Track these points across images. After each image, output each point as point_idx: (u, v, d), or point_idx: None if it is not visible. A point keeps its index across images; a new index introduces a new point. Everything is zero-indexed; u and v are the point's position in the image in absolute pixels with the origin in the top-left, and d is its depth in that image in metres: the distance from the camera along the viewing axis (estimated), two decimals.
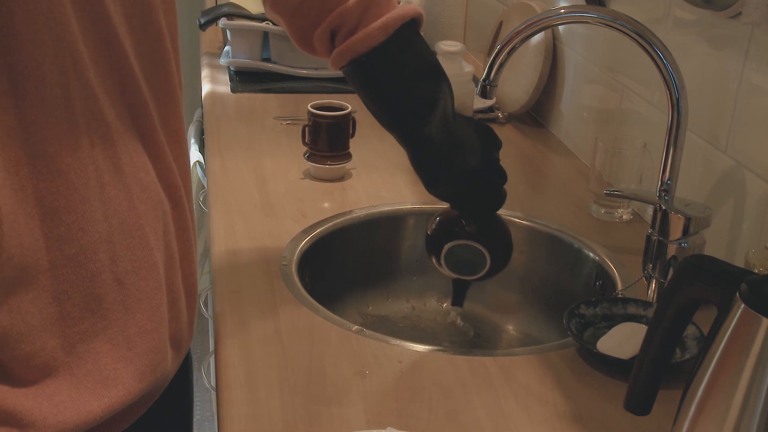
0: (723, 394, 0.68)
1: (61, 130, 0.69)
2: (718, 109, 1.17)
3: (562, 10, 1.18)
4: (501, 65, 1.16)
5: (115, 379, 0.75)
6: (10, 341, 0.70)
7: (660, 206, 1.10)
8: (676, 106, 1.09)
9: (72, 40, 0.70)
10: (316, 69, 1.99)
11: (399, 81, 1.01)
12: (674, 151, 1.11)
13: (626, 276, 1.20)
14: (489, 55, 1.32)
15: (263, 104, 1.81)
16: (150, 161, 0.80)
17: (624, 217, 1.38)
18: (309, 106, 1.44)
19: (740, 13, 1.08)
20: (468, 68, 1.59)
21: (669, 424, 0.87)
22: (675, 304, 0.75)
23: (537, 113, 1.80)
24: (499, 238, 1.12)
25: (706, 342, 0.72)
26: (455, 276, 1.15)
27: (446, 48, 1.57)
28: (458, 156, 1.04)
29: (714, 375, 0.69)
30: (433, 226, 1.13)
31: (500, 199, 1.10)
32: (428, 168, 1.05)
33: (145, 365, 0.78)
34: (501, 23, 1.92)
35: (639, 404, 0.81)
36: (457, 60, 1.58)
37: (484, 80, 1.18)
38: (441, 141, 1.03)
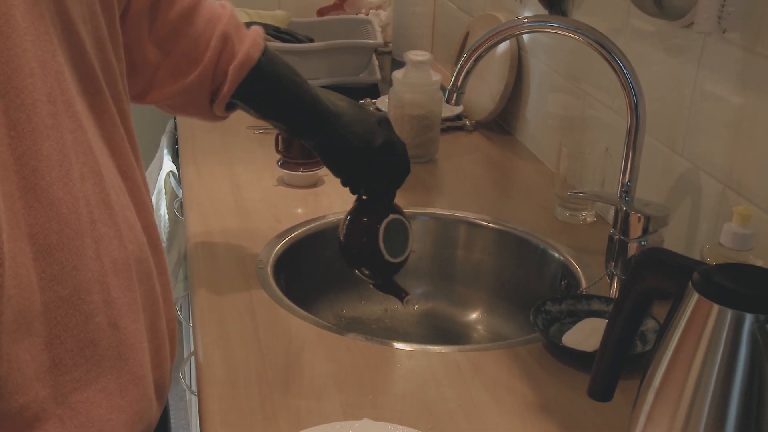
0: (679, 376, 0.73)
1: (52, 162, 0.68)
2: (675, 114, 1.23)
3: (526, 20, 1.23)
4: (468, 72, 1.21)
5: (108, 430, 0.72)
6: (6, 393, 0.66)
7: (621, 207, 1.15)
8: (635, 110, 1.14)
9: (59, 69, 0.69)
10: None
11: (291, 73, 1.08)
12: (633, 154, 1.16)
13: (590, 275, 1.25)
14: (456, 64, 1.37)
15: (236, 114, 1.84)
16: (131, 201, 0.79)
17: (588, 219, 1.43)
18: None
19: (692, 23, 1.14)
20: (436, 77, 1.64)
21: (630, 412, 0.92)
22: (634, 294, 0.80)
23: (503, 120, 1.85)
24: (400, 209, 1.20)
25: (663, 328, 0.77)
26: (394, 260, 1.17)
27: (414, 57, 1.62)
28: (361, 137, 1.11)
29: (672, 359, 0.74)
30: (354, 222, 1.18)
31: (406, 170, 1.18)
32: (333, 152, 1.13)
33: (135, 413, 0.75)
34: (467, 33, 1.98)
35: (601, 391, 0.85)
36: (425, 69, 1.63)
37: (451, 87, 1.22)
38: (343, 121, 1.10)
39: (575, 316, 1.12)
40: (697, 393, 0.71)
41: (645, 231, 1.13)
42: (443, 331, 1.37)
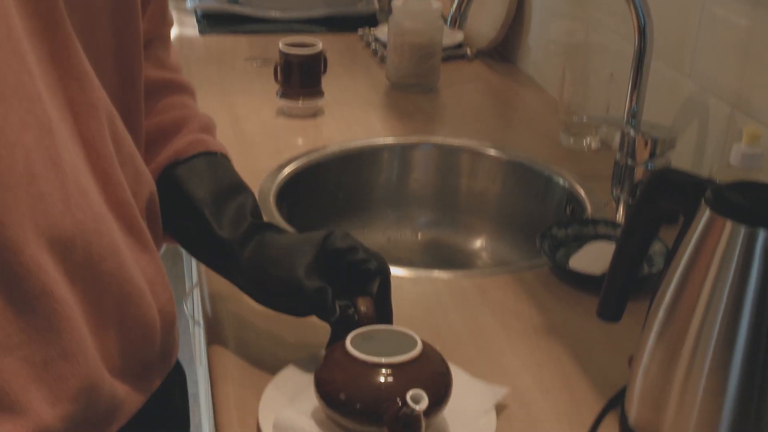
0: (691, 293, 0.72)
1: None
2: (682, 35, 1.21)
3: None
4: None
5: (24, 403, 0.65)
6: None
7: (628, 130, 1.13)
8: (643, 33, 1.12)
9: (7, 14, 0.63)
10: (284, 11, 1.99)
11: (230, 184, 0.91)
12: (640, 77, 1.14)
13: (595, 200, 1.24)
14: None
15: (232, 46, 1.82)
16: (90, 170, 0.71)
17: (592, 145, 1.41)
18: (280, 44, 1.45)
19: None
20: (436, 5, 1.61)
21: (637, 334, 0.92)
22: (645, 213, 0.79)
23: (504, 49, 1.83)
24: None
25: (674, 247, 0.76)
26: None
27: None
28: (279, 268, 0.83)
29: (683, 276, 0.73)
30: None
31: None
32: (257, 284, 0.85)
33: (62, 390, 0.67)
34: None
35: (611, 312, 0.85)
36: None
37: (454, 13, 1.20)
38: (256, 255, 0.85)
39: (581, 241, 1.11)
40: (708, 310, 0.71)
41: (652, 154, 1.12)
42: (447, 259, 1.36)
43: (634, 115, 1.16)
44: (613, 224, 1.13)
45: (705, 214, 0.72)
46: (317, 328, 0.91)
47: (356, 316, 0.82)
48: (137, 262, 0.75)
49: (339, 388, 0.74)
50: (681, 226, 0.76)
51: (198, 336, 1.74)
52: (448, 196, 1.42)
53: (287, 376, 0.84)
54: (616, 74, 1.37)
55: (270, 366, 0.86)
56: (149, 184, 0.81)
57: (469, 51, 1.82)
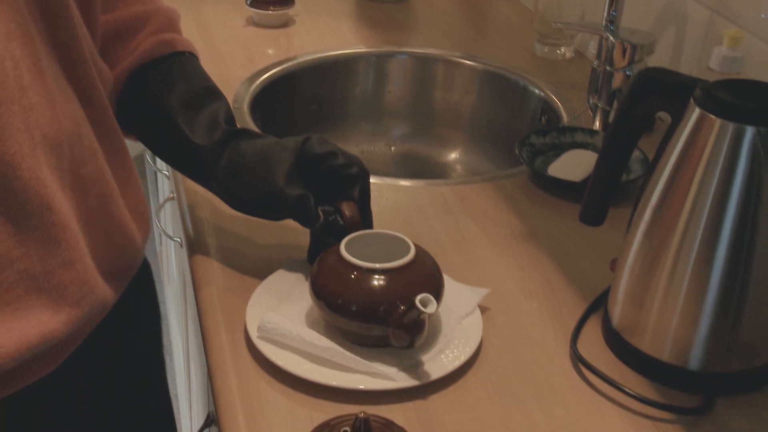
0: (679, 192, 0.72)
1: None
2: None
3: None
4: None
5: (26, 310, 0.65)
6: None
7: (606, 36, 1.12)
8: None
9: None
10: None
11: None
12: None
13: (571, 109, 1.24)
14: None
15: None
16: (63, 71, 0.68)
17: (566, 54, 1.40)
18: None
19: None
20: None
21: (617, 239, 0.92)
22: (632, 114, 0.78)
23: None
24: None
25: (662, 146, 0.76)
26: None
27: None
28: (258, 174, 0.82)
29: (671, 175, 0.73)
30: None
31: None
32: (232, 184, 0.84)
33: (63, 298, 0.67)
34: None
35: (593, 216, 0.85)
36: None
37: None
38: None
39: (559, 149, 1.11)
40: (695, 206, 0.71)
41: (631, 60, 1.11)
42: (421, 171, 1.36)
43: (612, 21, 1.15)
44: (591, 132, 1.13)
45: (694, 113, 0.72)
46: (299, 234, 0.90)
47: (341, 222, 0.82)
48: (111, 165, 0.74)
49: (338, 294, 0.73)
50: (670, 124, 0.76)
51: (167, 254, 1.73)
52: (422, 108, 1.40)
53: (274, 281, 0.83)
54: None
55: (255, 272, 0.85)
56: (109, 81, 0.79)
57: None
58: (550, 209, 1.01)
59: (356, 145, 1.39)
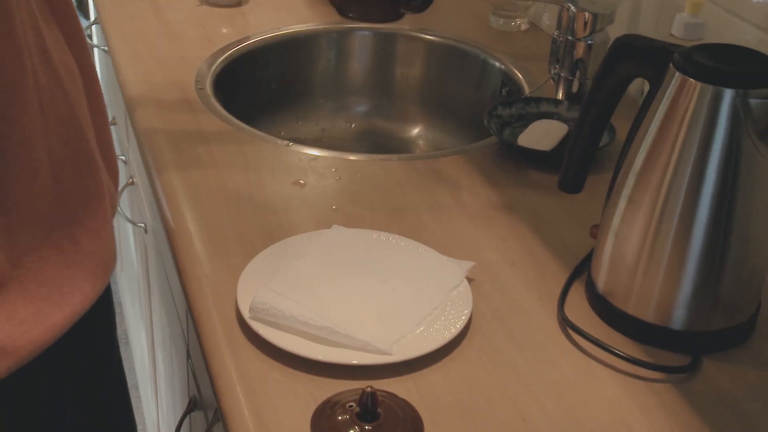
0: (663, 156, 0.74)
1: None
2: None
3: None
4: None
5: (71, 285, 0.70)
6: None
7: (567, 6, 1.13)
8: None
9: None
10: None
11: None
12: None
13: (532, 80, 1.25)
14: None
15: None
16: (62, 34, 0.72)
17: (522, 26, 1.41)
18: None
19: None
20: None
21: (591, 205, 0.94)
22: (610, 80, 0.79)
23: None
24: None
25: (641, 113, 0.77)
26: None
27: None
28: None
29: (654, 140, 0.75)
30: None
31: None
32: None
33: (96, 266, 0.73)
34: None
35: (572, 183, 0.87)
36: None
37: None
38: None
39: (525, 120, 1.12)
40: (677, 168, 0.73)
41: (592, 30, 1.12)
42: (384, 147, 1.36)
43: None
44: (555, 102, 1.14)
45: (674, 77, 0.73)
46: (281, 215, 0.90)
47: None
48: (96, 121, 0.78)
49: None
50: (648, 91, 0.77)
51: (123, 240, 1.69)
52: (381, 84, 1.40)
53: (261, 260, 0.82)
54: None
55: (240, 254, 0.85)
56: None
57: None
58: (522, 179, 1.02)
59: (316, 123, 1.39)
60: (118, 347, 0.92)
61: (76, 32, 0.74)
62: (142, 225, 1.31)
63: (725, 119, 0.72)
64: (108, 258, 0.75)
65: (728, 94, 0.71)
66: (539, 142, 1.06)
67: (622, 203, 0.78)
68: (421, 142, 1.37)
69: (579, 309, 0.82)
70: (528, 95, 1.21)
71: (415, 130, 1.38)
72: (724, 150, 0.72)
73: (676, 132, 0.73)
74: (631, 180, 0.77)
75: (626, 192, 0.77)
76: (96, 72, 0.77)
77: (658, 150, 0.75)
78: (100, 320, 0.87)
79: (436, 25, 1.40)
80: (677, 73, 0.73)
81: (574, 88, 1.16)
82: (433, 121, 1.37)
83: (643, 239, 0.76)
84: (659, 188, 0.74)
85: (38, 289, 0.68)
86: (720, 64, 0.72)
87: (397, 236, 0.87)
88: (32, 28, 0.66)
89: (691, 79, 0.72)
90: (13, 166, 0.65)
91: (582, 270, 0.87)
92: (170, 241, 0.89)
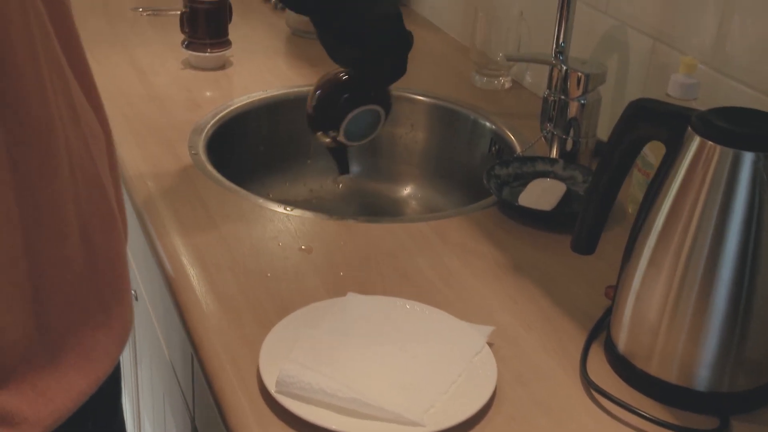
0: (685, 217, 0.75)
1: (26, 73, 0.60)
2: None
3: None
4: None
5: (99, 350, 0.69)
6: None
7: (560, 66, 1.15)
8: None
9: None
10: None
11: None
12: (568, 13, 1.16)
13: (522, 138, 1.26)
14: None
15: None
16: (84, 95, 0.71)
17: (506, 84, 1.43)
18: None
19: None
20: None
21: (600, 265, 0.95)
22: (626, 143, 0.80)
23: None
24: (389, 98, 1.11)
25: (658, 177, 0.78)
26: (350, 143, 1.10)
27: None
28: (365, 18, 1.00)
29: (674, 202, 0.75)
30: (325, 98, 1.07)
31: (403, 66, 1.06)
32: (335, 30, 1.00)
33: (122, 328, 0.71)
34: None
35: (585, 245, 0.87)
36: None
37: None
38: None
39: (523, 179, 1.13)
40: (699, 230, 0.74)
41: (584, 90, 1.14)
42: (375, 207, 1.35)
43: (561, 52, 1.18)
44: (551, 160, 1.15)
45: (694, 141, 0.74)
46: (293, 290, 0.88)
47: None
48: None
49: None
50: (665, 154, 0.78)
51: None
52: (369, 143, 1.39)
53: (279, 330, 0.81)
54: (525, 11, 1.38)
55: (256, 324, 0.83)
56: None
57: None
58: (526, 239, 1.02)
59: (304, 185, 1.38)
60: (122, 411, 0.89)
61: (92, 88, 0.73)
62: (133, 291, 1.28)
63: (746, 182, 0.73)
64: (130, 318, 0.73)
65: (748, 157, 0.72)
66: (539, 201, 1.07)
67: (642, 265, 0.78)
68: (413, 202, 1.37)
69: (600, 370, 0.82)
70: (522, 154, 1.21)
71: (406, 190, 1.38)
72: (745, 211, 0.73)
73: (696, 194, 0.74)
74: (651, 242, 0.77)
75: (647, 254, 0.78)
76: (110, 128, 0.76)
77: (678, 212, 0.75)
78: (108, 383, 0.84)
79: (420, 84, 1.41)
80: (696, 137, 0.74)
81: (568, 146, 1.17)
82: (423, 180, 1.37)
83: (665, 300, 0.77)
84: (681, 250, 0.75)
85: (66, 356, 0.66)
86: (738, 127, 0.73)
87: (412, 302, 0.87)
88: (63, 90, 0.64)
89: (711, 143, 0.73)
90: (45, 230, 0.63)
91: (599, 330, 0.86)
92: (181, 314, 0.87)
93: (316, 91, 1.08)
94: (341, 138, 1.08)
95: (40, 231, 0.63)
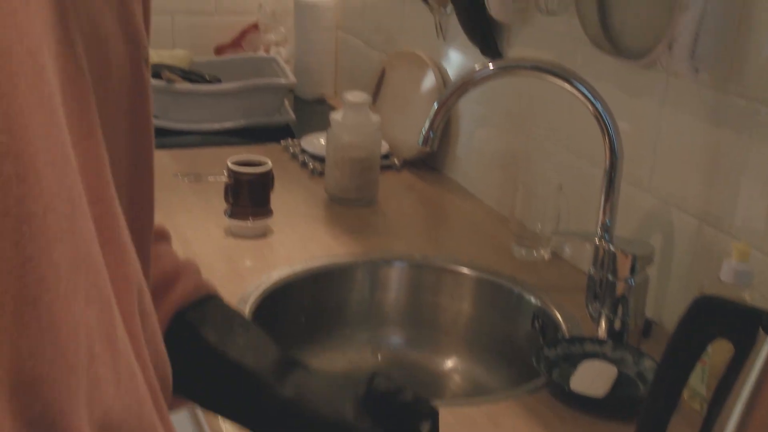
0: (755, 422, 0.72)
1: (60, 273, 0.54)
2: (640, 152, 1.25)
3: (492, 66, 1.21)
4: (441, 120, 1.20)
5: None
6: None
7: (607, 246, 1.15)
8: (613, 150, 1.15)
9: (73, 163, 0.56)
10: (198, 122, 1.94)
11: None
12: (612, 191, 1.17)
13: (566, 315, 1.25)
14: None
15: (159, 161, 1.74)
16: (132, 352, 0.63)
17: (545, 257, 1.43)
18: (228, 163, 1.40)
19: (654, 62, 1.16)
20: (375, 117, 1.61)
21: None
22: (688, 342, 0.79)
23: (431, 158, 1.84)
24: None
25: (728, 380, 0.76)
26: None
27: (353, 99, 1.58)
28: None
29: (747, 407, 0.73)
30: None
31: None
32: None
33: None
34: (384, 71, 1.96)
35: None
36: (364, 110, 1.59)
37: (426, 131, 1.21)
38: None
39: (571, 360, 1.11)
40: None
41: (632, 271, 1.14)
42: (416, 381, 1.33)
43: (606, 229, 1.18)
44: (599, 341, 1.14)
45: (766, 343, 0.73)
46: None
47: None
48: None
49: None
50: (734, 355, 0.76)
51: None
52: (412, 314, 1.39)
53: None
54: (565, 185, 1.40)
55: None
56: (166, 364, 0.74)
57: (396, 161, 1.82)
58: (581, 428, 0.99)
59: (343, 354, 1.36)
60: None
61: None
62: None
63: None
64: None
65: None
66: (591, 385, 1.05)
67: None
68: (456, 376, 1.34)
69: None
70: (562, 336, 1.20)
71: (450, 363, 1.36)
72: None
73: None
74: None
75: None
76: None
77: (751, 416, 0.73)
78: None
79: (459, 254, 1.41)
80: None
81: (617, 326, 1.15)
82: (467, 353, 1.35)
83: None
84: None
85: None
86: None
87: None
88: (99, 310, 0.59)
89: None
90: None
91: None
92: None
93: None
94: None
95: None
